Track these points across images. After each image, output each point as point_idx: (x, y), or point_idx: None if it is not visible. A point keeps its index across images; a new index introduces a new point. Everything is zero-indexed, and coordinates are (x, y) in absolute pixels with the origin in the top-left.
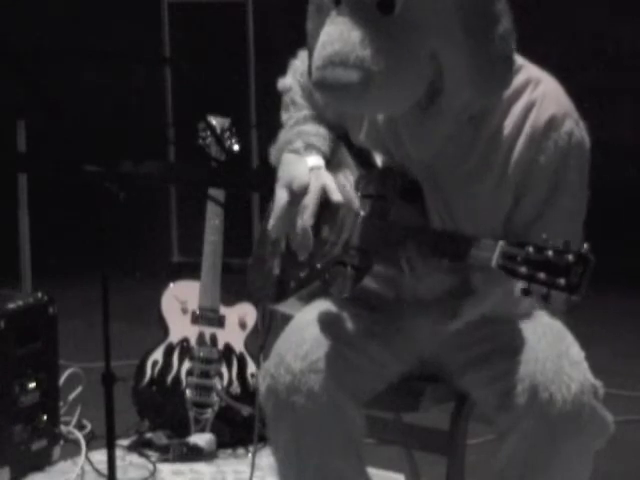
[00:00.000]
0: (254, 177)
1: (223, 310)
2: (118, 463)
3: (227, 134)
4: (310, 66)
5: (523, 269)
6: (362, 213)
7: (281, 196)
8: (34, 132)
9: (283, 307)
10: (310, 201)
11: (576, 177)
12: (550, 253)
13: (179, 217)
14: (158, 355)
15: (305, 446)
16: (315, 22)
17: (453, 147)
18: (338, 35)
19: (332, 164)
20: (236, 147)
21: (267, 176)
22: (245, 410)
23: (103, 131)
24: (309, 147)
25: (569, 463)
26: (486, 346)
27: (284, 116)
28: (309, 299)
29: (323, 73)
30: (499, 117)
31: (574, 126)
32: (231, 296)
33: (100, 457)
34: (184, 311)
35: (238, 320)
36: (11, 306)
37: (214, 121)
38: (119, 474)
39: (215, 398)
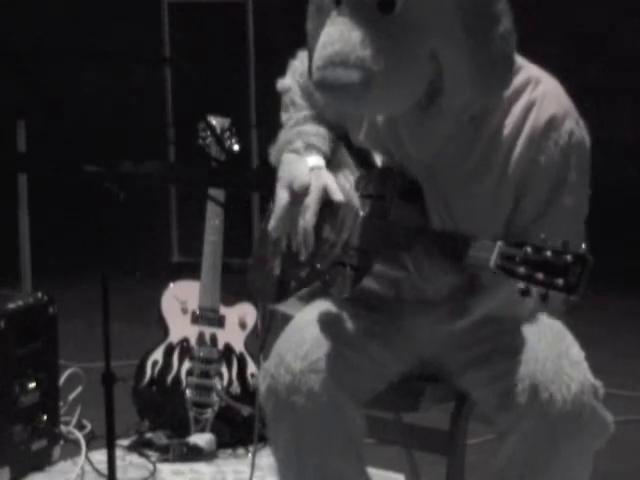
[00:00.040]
0: (254, 177)
1: (223, 310)
2: (118, 463)
3: (227, 134)
4: (310, 66)
5: (521, 269)
6: (361, 213)
7: (282, 196)
8: (34, 132)
9: (283, 307)
10: (312, 201)
11: (577, 176)
12: (548, 253)
13: (179, 217)
14: (158, 355)
15: (305, 446)
16: (315, 22)
17: (453, 147)
18: (338, 35)
19: (332, 164)
20: (236, 147)
21: (267, 176)
22: (245, 410)
23: (103, 131)
24: (309, 147)
25: (569, 463)
26: (486, 346)
27: (284, 117)
28: (309, 299)
29: (324, 73)
30: (499, 117)
31: (574, 125)
32: (231, 296)
33: (100, 457)
34: (184, 311)
35: (238, 320)
36: (11, 306)
37: (214, 121)
38: (119, 474)
39: (215, 398)
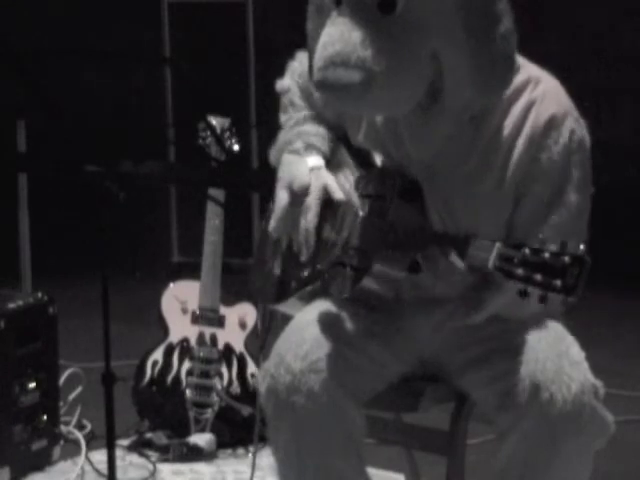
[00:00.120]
0: (254, 177)
1: (223, 310)
2: (118, 463)
3: (227, 134)
4: (311, 67)
5: (520, 271)
6: (361, 213)
7: (282, 197)
8: (34, 132)
9: (284, 307)
10: (313, 201)
11: (581, 173)
12: (546, 255)
13: (179, 217)
14: (158, 355)
15: (305, 446)
16: (315, 22)
17: (453, 147)
18: (339, 36)
19: (332, 164)
20: (236, 147)
21: (267, 176)
22: (245, 410)
23: (103, 131)
24: (309, 147)
25: (569, 463)
26: (486, 346)
27: (283, 117)
28: (310, 299)
29: (324, 74)
30: (499, 117)
31: (575, 124)
32: (231, 296)
33: (100, 457)
34: (184, 311)
35: (238, 320)
36: (11, 306)
37: (214, 121)
38: (119, 474)
39: (215, 398)
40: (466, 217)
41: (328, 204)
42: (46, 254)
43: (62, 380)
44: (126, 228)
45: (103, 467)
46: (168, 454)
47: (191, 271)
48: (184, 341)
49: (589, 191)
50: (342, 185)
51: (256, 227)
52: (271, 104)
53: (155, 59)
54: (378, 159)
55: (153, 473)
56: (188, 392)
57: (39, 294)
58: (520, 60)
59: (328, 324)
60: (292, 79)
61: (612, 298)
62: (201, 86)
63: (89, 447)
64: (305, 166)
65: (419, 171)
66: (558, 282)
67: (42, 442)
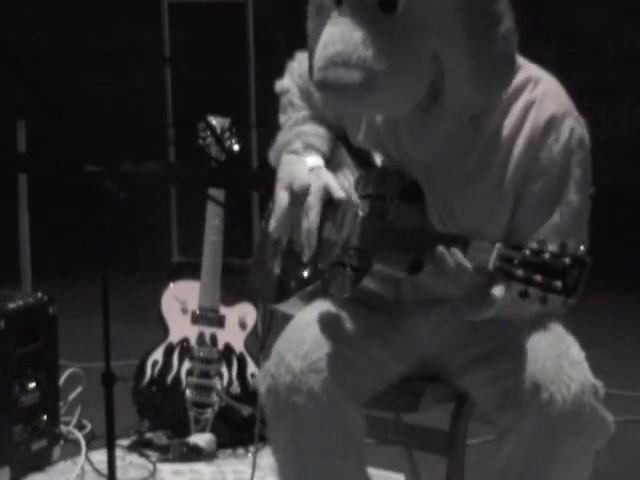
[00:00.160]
0: (254, 177)
1: (223, 310)
2: (118, 463)
3: (227, 134)
4: (311, 66)
5: (520, 272)
6: (361, 213)
7: (282, 197)
8: (34, 132)
9: (284, 307)
10: (314, 201)
11: (581, 172)
12: (546, 256)
13: (179, 217)
14: (158, 355)
15: (305, 446)
16: (315, 22)
17: (453, 147)
18: (340, 35)
19: (332, 164)
20: (236, 147)
21: (267, 176)
22: (245, 410)
23: (103, 131)
24: (308, 147)
25: (569, 463)
26: (486, 346)
27: (282, 118)
28: (310, 298)
29: (325, 73)
30: (499, 117)
31: (575, 124)
32: (231, 296)
33: (100, 457)
34: (184, 311)
35: (238, 320)
36: (11, 306)
37: (214, 121)
38: (119, 474)
39: (215, 398)
40: (466, 217)
41: (329, 204)
42: (46, 254)
43: (62, 380)
44: (126, 228)
45: (103, 467)
46: (168, 454)
47: (191, 271)
48: (184, 341)
49: (589, 191)
50: (342, 184)
51: (256, 227)
52: (271, 104)
53: (155, 59)
54: (378, 159)
55: (153, 473)
56: (188, 392)
57: (39, 294)
58: (520, 60)
59: (328, 324)
60: (291, 80)
61: (612, 298)
62: (201, 86)
63: (89, 447)
64: (305, 166)
65: (419, 171)
66: (558, 283)
67: (42, 442)
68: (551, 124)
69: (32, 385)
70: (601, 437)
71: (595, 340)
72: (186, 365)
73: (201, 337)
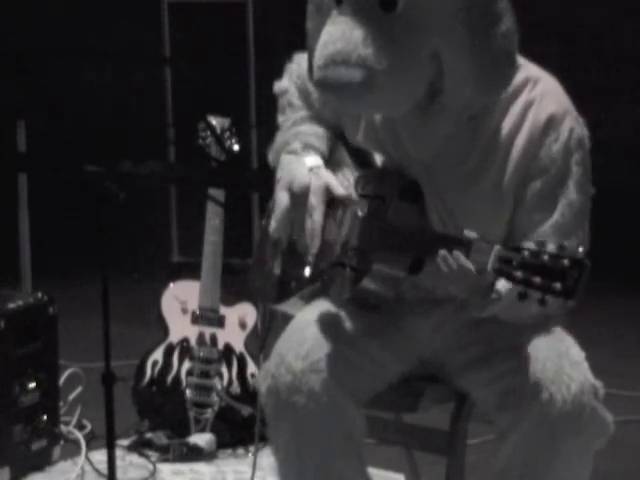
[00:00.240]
0: (254, 177)
1: (223, 310)
2: (118, 463)
3: (227, 134)
4: (310, 66)
5: (519, 273)
6: (360, 213)
7: (282, 198)
8: (34, 132)
9: (285, 307)
10: (317, 202)
11: (581, 171)
12: (546, 257)
13: (179, 217)
14: (158, 355)
15: (305, 446)
16: (315, 22)
17: (452, 147)
18: (340, 34)
19: (331, 163)
20: (236, 147)
21: (267, 176)
22: (245, 410)
23: (103, 131)
24: (307, 147)
25: (569, 463)
26: (486, 346)
27: (280, 118)
28: (311, 298)
29: (325, 72)
30: (498, 117)
31: (574, 123)
32: (231, 296)
33: (100, 457)
34: (184, 311)
35: (238, 320)
36: (11, 306)
37: (214, 121)
38: (119, 474)
39: (215, 398)
40: (466, 217)
41: (329, 204)
42: (46, 254)
43: (62, 380)
44: (126, 228)
45: (103, 467)
46: (168, 454)
47: (191, 271)
48: (184, 341)
49: (590, 190)
50: (341, 184)
51: (256, 227)
52: (271, 104)
53: (155, 59)
54: (378, 159)
55: (153, 473)
56: (188, 392)
57: (39, 294)
58: (520, 60)
59: (328, 324)
60: (290, 81)
61: (612, 298)
62: (201, 86)
63: (89, 447)
64: (304, 166)
65: (419, 171)
66: (557, 285)
67: (42, 442)
68: (550, 124)
69: (32, 385)
70: (601, 437)
71: (595, 340)
72: (186, 365)
73: (201, 337)
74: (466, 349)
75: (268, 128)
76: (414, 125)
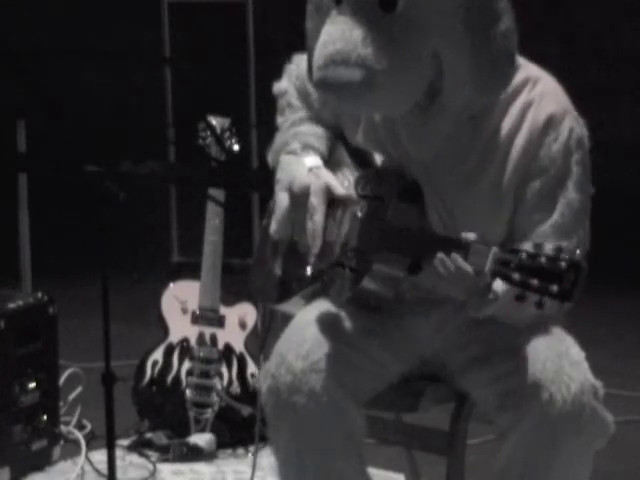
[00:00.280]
0: (254, 177)
1: (223, 310)
2: (118, 463)
3: (227, 134)
4: (310, 66)
5: (516, 275)
6: (359, 214)
7: (282, 199)
8: (34, 132)
9: (286, 307)
10: (318, 202)
11: (580, 171)
12: (543, 259)
13: (179, 217)
14: (158, 355)
15: (305, 446)
16: (314, 21)
17: (452, 147)
18: (339, 34)
19: (331, 163)
20: (236, 147)
21: (267, 176)
22: (245, 410)
23: (103, 131)
24: (306, 147)
25: (569, 463)
26: (486, 346)
27: (279, 119)
28: (312, 298)
29: (325, 72)
30: (497, 117)
31: (574, 123)
32: (231, 296)
33: (100, 457)
34: (184, 311)
35: (238, 320)
36: (11, 306)
37: (214, 121)
38: (119, 474)
39: (215, 398)
40: (466, 217)
41: (329, 204)
42: (46, 254)
43: (62, 380)
44: (126, 228)
45: (103, 467)
46: (168, 454)
47: (191, 271)
48: (184, 341)
49: (589, 190)
50: (341, 183)
51: (256, 227)
52: (271, 104)
53: (155, 59)
54: (378, 159)
55: (153, 473)
56: (188, 392)
57: (39, 294)
58: (519, 60)
59: (328, 324)
60: (289, 81)
61: (612, 298)
62: (201, 86)
63: (89, 447)
64: (303, 167)
65: (418, 171)
66: (554, 287)
67: (42, 442)
68: (550, 124)
69: (32, 385)
70: (601, 437)
71: (595, 340)
72: (186, 365)
73: (201, 337)
74: (466, 349)
75: (268, 128)
76: (414, 125)
